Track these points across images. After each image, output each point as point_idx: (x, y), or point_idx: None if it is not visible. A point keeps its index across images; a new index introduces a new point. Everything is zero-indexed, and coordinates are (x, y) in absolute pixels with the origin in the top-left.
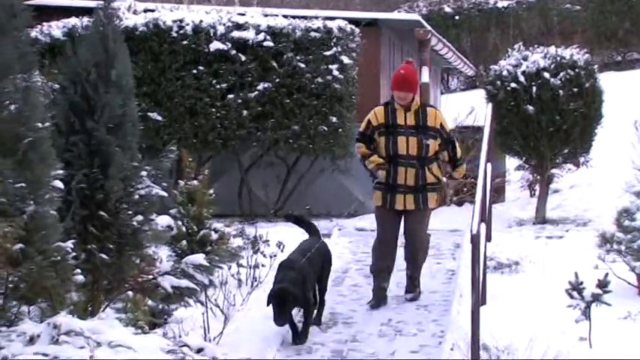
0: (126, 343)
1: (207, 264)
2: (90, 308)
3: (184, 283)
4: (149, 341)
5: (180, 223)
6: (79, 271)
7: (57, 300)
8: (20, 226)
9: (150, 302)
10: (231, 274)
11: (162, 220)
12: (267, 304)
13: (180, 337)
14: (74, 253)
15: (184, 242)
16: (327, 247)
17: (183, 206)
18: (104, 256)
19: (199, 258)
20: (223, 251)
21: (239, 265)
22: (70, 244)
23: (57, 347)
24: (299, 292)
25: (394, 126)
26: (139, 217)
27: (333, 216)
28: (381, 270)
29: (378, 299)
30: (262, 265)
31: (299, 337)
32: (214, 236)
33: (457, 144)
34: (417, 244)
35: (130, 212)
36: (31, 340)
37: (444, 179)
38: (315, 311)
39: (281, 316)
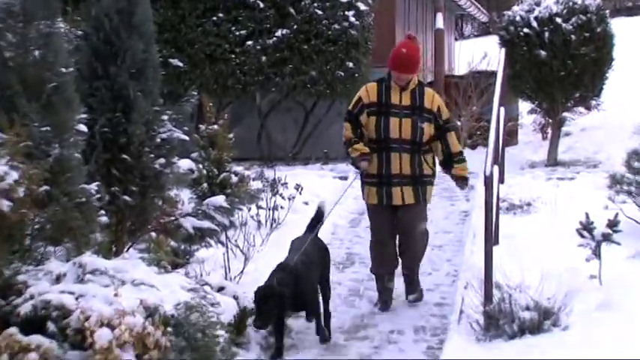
0: (149, 281)
1: (228, 206)
2: (114, 248)
3: (205, 224)
4: (171, 280)
5: (201, 166)
6: (103, 212)
7: (82, 240)
8: (45, 168)
9: (172, 243)
10: (250, 216)
11: (184, 164)
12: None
13: (201, 276)
14: (98, 195)
15: (205, 185)
16: (321, 241)
17: (204, 150)
18: (127, 198)
19: (220, 200)
20: (243, 193)
21: (258, 207)
22: (94, 186)
23: (82, 286)
24: (287, 293)
25: (387, 105)
26: (161, 160)
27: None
28: (383, 273)
29: (385, 301)
30: (281, 207)
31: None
32: (234, 179)
33: (454, 134)
34: (418, 242)
35: (152, 155)
36: (58, 279)
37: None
38: (323, 321)
39: (261, 318)
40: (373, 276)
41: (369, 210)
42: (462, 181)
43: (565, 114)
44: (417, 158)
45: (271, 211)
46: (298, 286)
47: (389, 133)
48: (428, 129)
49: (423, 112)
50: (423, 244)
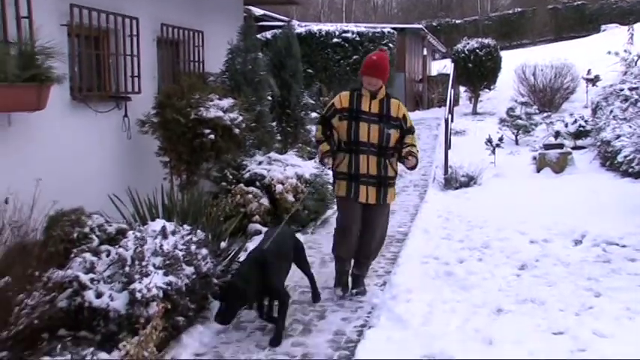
0: (298, 164)
1: None
2: (283, 149)
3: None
4: (308, 164)
5: (318, 115)
6: (278, 135)
7: (270, 146)
8: (253, 115)
9: (307, 148)
10: None
11: (313, 114)
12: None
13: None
14: (276, 127)
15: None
16: (291, 231)
17: (322, 108)
18: (289, 129)
19: None
20: None
21: None
22: (274, 124)
23: (269, 166)
24: (251, 288)
25: (357, 111)
26: (303, 113)
27: None
28: (343, 258)
29: (344, 284)
30: None
31: (274, 339)
32: None
33: (412, 136)
34: (376, 237)
35: (300, 110)
36: (260, 163)
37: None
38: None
39: (222, 314)
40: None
41: (338, 202)
42: (409, 156)
43: (480, 92)
44: (382, 161)
45: None
46: (266, 276)
47: (358, 136)
48: (394, 135)
49: (390, 119)
50: (377, 245)
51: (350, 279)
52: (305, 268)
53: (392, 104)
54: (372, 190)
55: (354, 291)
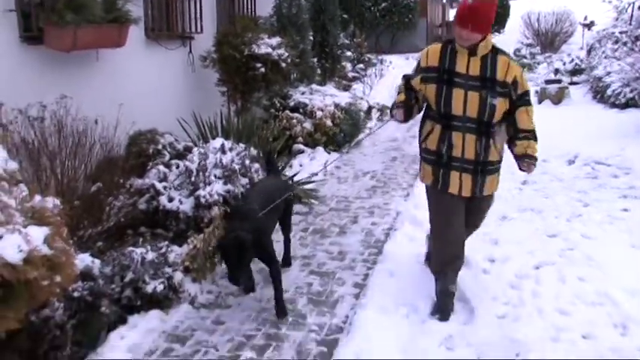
0: (336, 94)
1: (363, 67)
2: (322, 82)
3: (357, 75)
4: (344, 94)
5: (354, 53)
6: (318, 69)
7: (311, 78)
8: (297, 52)
9: (344, 82)
10: (373, 72)
11: (348, 53)
12: (221, 258)
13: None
14: (317, 63)
15: (355, 61)
16: (283, 182)
17: (356, 48)
18: (327, 65)
19: (362, 65)
20: (370, 63)
21: (375, 69)
22: (315, 60)
23: (311, 95)
24: (260, 241)
25: (450, 73)
26: (339, 51)
27: None
28: (440, 270)
29: (442, 310)
30: (382, 70)
31: (281, 309)
32: (367, 57)
33: (527, 110)
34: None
35: (336, 49)
36: (303, 93)
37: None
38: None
39: (238, 270)
40: None
41: (428, 194)
42: (524, 159)
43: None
44: (484, 141)
45: (379, 71)
46: (264, 239)
47: (451, 107)
48: (501, 106)
49: (496, 85)
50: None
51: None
52: (286, 226)
53: (499, 63)
54: (467, 178)
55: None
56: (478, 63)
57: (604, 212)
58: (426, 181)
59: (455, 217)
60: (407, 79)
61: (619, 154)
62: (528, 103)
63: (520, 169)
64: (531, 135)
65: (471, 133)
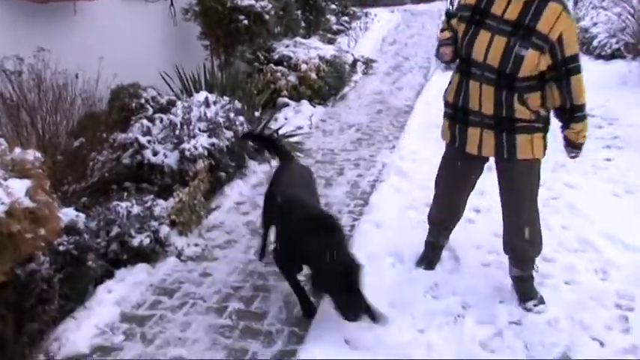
0: (320, 47)
1: (348, 19)
2: (307, 35)
3: (341, 27)
4: (329, 47)
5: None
6: (302, 22)
7: (295, 31)
8: (280, 4)
9: (328, 35)
10: (357, 25)
11: (332, 5)
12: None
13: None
14: (301, 15)
15: (340, 14)
16: (305, 169)
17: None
18: (311, 17)
19: (347, 18)
20: (355, 15)
21: (360, 22)
22: (299, 12)
23: (295, 48)
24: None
25: (484, 14)
26: (324, 4)
27: None
28: (432, 221)
29: (428, 260)
30: (366, 23)
31: (375, 318)
32: (352, 10)
33: (579, 79)
34: (525, 214)
35: (321, 1)
36: (287, 46)
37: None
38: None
39: (353, 299)
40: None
41: (444, 151)
42: (574, 149)
43: None
44: (505, 95)
45: (364, 24)
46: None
47: (471, 51)
48: (531, 59)
49: (532, 34)
50: (532, 233)
51: (515, 284)
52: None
53: (547, 11)
54: (489, 135)
55: (528, 305)
56: (519, 7)
57: (588, 162)
58: (445, 139)
59: (464, 182)
60: (449, 16)
61: (603, 104)
62: (578, 70)
63: (567, 154)
64: (583, 114)
65: (490, 85)
